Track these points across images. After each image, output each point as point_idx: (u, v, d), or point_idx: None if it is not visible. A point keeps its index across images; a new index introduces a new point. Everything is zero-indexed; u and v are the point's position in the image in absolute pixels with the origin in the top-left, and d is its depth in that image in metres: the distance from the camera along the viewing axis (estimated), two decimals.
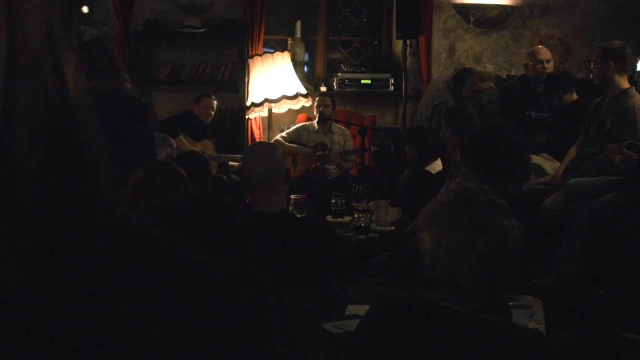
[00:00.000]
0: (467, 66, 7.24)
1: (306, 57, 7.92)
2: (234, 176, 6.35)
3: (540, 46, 6.58)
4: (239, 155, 6.68)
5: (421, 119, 6.80)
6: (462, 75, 6.72)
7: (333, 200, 5.13)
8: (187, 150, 5.51)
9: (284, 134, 6.97)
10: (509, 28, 7.82)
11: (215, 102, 6.94)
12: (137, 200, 2.47)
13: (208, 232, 1.64)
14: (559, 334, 3.17)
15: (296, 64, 7.51)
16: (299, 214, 4.54)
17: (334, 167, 6.84)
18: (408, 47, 7.42)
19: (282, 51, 7.18)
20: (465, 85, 6.26)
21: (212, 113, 6.95)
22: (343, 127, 7.02)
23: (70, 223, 0.56)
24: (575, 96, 5.83)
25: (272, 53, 7.08)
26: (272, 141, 6.52)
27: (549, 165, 5.45)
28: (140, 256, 0.60)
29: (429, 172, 5.28)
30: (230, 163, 6.72)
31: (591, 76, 5.43)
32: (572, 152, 5.32)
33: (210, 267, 0.61)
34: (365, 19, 8.10)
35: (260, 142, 5.90)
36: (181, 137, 6.23)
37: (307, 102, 7.07)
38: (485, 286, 1.79)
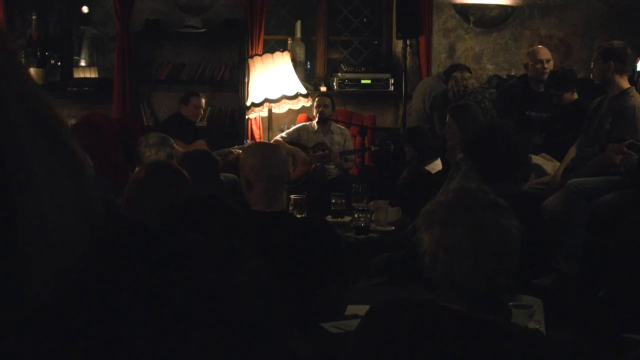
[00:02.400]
0: (459, 63, 7.25)
1: (306, 57, 7.92)
2: (232, 176, 6.34)
3: (540, 46, 6.57)
4: (235, 147, 6.67)
5: (419, 116, 6.78)
6: (453, 71, 6.74)
7: (333, 200, 5.12)
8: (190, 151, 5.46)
9: (283, 134, 6.97)
10: (509, 28, 7.83)
11: (204, 100, 6.89)
12: (138, 200, 2.48)
13: (208, 232, 1.64)
14: (559, 334, 3.17)
15: (296, 64, 7.51)
16: (299, 214, 4.54)
17: (334, 167, 6.84)
18: (408, 47, 7.42)
19: (282, 51, 7.18)
20: (450, 91, 6.26)
21: (202, 112, 6.90)
22: (343, 127, 7.02)
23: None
24: (575, 96, 5.83)
25: (272, 53, 7.08)
26: (271, 141, 6.51)
27: (549, 165, 5.44)
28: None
29: (429, 172, 5.27)
30: (232, 150, 6.62)
31: (591, 76, 5.42)
32: (572, 152, 5.32)
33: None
34: (365, 19, 8.10)
35: (263, 142, 5.86)
36: (174, 143, 6.16)
37: (307, 102, 7.07)
38: (485, 286, 1.79)
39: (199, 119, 6.87)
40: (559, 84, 5.81)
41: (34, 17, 7.52)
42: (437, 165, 5.33)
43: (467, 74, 6.43)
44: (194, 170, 2.76)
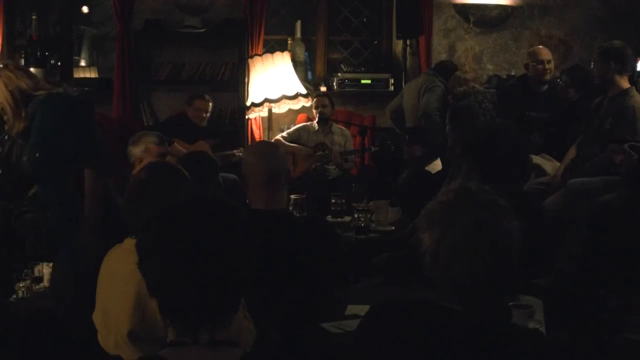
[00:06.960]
0: (445, 59, 7.21)
1: (306, 57, 7.92)
2: (232, 175, 6.34)
3: (540, 46, 6.57)
4: (235, 150, 6.70)
5: (413, 113, 6.67)
6: (443, 67, 6.69)
7: (333, 200, 5.12)
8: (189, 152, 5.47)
9: (284, 134, 6.97)
10: (509, 28, 7.83)
11: (210, 104, 6.85)
12: (140, 201, 2.47)
13: (209, 232, 1.64)
14: (559, 334, 3.17)
15: (296, 64, 7.51)
16: (299, 214, 4.54)
17: (334, 167, 6.84)
18: (408, 47, 7.42)
19: (282, 51, 7.18)
20: (453, 90, 6.24)
21: (206, 116, 6.82)
22: (343, 128, 7.02)
23: None
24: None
25: (272, 53, 7.07)
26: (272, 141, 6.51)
27: (549, 165, 5.45)
28: None
29: (429, 172, 5.28)
30: (235, 153, 6.68)
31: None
32: (572, 152, 5.32)
33: None
34: (365, 19, 8.11)
35: (263, 141, 5.86)
36: (175, 142, 6.15)
37: (307, 102, 7.07)
38: (485, 286, 1.79)
39: (201, 121, 6.81)
40: (579, 80, 5.78)
41: (34, 17, 7.51)
42: (437, 165, 5.34)
43: (469, 75, 6.40)
44: (192, 171, 2.76)
